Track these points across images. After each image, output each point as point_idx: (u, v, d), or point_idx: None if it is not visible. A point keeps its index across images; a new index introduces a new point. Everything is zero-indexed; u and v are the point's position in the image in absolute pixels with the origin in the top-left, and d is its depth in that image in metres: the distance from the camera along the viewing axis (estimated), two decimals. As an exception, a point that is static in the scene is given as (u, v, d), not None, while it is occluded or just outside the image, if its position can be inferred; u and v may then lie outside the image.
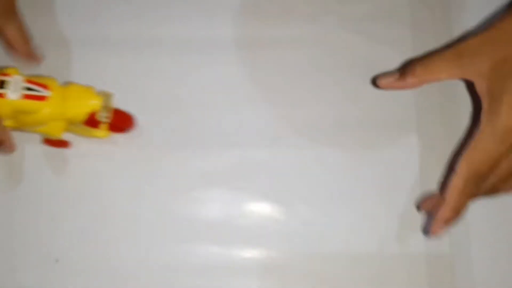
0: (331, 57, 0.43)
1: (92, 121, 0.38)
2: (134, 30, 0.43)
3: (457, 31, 0.43)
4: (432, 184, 0.40)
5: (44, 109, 0.36)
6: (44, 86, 0.36)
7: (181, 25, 0.43)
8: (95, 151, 0.40)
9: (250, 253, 0.39)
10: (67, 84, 0.38)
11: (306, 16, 0.44)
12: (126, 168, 0.40)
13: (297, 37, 0.43)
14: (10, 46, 0.40)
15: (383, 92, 0.42)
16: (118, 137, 0.40)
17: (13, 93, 0.35)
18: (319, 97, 0.42)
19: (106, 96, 0.38)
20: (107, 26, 0.43)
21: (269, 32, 0.43)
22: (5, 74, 0.36)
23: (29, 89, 0.36)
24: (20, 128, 0.38)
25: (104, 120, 0.38)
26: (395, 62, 0.42)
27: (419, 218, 0.40)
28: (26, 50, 0.40)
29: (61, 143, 0.40)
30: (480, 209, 0.40)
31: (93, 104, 0.37)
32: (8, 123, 0.37)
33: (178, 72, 0.42)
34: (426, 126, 0.42)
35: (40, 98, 0.36)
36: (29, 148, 0.40)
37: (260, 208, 0.40)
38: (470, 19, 0.44)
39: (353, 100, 0.42)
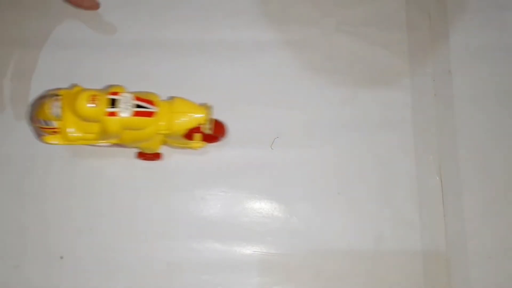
0: (330, 59, 0.43)
1: (190, 134, 0.37)
2: (136, 33, 0.44)
3: (453, 34, 0.44)
4: (429, 183, 0.41)
5: (152, 125, 0.35)
6: (150, 102, 0.35)
7: (184, 28, 0.44)
8: (100, 152, 0.41)
9: (250, 250, 0.40)
10: (171, 99, 0.37)
11: (306, 19, 0.44)
12: (130, 168, 0.41)
13: (297, 39, 0.44)
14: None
15: (381, 93, 0.42)
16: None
17: (125, 111, 0.34)
18: (319, 98, 0.42)
19: (207, 108, 0.37)
20: (109, 29, 0.44)
21: (270, 35, 0.44)
22: (115, 93, 0.34)
23: (138, 106, 0.35)
24: (121, 144, 0.37)
25: (207, 131, 0.37)
26: (392, 64, 0.43)
27: (416, 216, 0.40)
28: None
29: (155, 156, 0.40)
30: (476, 208, 0.41)
31: (199, 118, 0.36)
32: (113, 140, 0.36)
33: (179, 73, 0.43)
34: (421, 126, 0.42)
35: (149, 114, 0.35)
36: (37, 146, 0.41)
37: (261, 206, 0.40)
38: (466, 21, 0.44)
39: (351, 101, 0.42)
